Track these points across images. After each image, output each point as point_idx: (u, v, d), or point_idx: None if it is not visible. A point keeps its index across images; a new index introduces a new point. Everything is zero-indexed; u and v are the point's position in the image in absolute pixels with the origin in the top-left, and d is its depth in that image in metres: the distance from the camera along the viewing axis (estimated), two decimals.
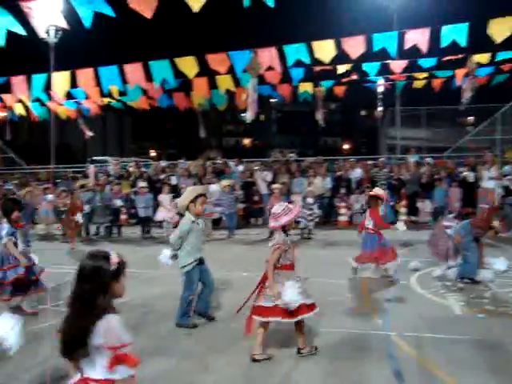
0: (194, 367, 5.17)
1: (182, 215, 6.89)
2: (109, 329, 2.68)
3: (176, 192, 15.94)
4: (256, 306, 5.28)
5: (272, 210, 5.53)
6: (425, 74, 15.10)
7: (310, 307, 5.23)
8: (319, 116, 14.84)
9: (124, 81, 13.13)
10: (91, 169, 19.36)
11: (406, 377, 4.84)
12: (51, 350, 4.51)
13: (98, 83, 13.86)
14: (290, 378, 4.89)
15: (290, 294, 5.01)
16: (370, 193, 9.25)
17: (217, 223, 16.34)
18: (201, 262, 6.54)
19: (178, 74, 12.28)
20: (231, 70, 11.73)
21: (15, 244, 6.97)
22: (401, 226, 13.15)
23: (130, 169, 20.24)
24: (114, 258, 2.82)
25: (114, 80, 13.11)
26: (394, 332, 6.14)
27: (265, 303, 5.18)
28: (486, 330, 6.23)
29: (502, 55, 12.69)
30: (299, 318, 5.16)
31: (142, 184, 15.73)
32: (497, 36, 10.43)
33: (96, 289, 2.73)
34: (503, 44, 10.70)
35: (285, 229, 5.38)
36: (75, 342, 2.70)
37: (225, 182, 14.98)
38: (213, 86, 14.31)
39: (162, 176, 18.31)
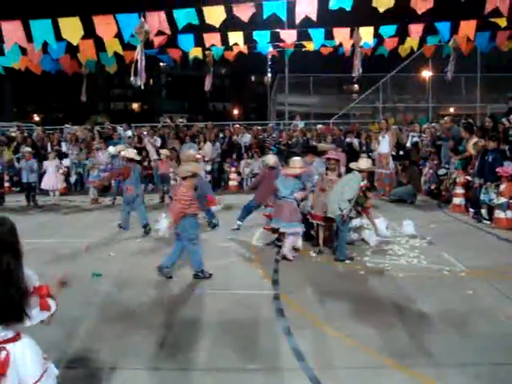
0: None
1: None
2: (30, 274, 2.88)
3: (62, 158, 15.48)
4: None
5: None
6: (313, 44, 15.40)
7: None
8: (207, 82, 14.77)
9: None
10: None
11: (295, 332, 5.14)
12: None
13: None
14: (182, 343, 5.04)
15: None
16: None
17: (106, 190, 16.09)
18: None
19: (61, 35, 11.62)
20: (119, 34, 11.35)
21: None
22: None
23: (12, 134, 19.25)
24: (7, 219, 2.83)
25: None
26: (282, 291, 6.48)
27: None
28: (366, 285, 6.73)
29: (384, 29, 13.28)
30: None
31: (26, 149, 14.97)
32: (380, 6, 10.95)
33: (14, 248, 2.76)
34: (386, 18, 11.22)
35: None
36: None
37: (119, 148, 14.50)
38: (100, 48, 13.77)
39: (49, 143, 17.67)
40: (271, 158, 9.72)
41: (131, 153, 10.31)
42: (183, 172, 7.08)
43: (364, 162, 8.33)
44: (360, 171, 8.08)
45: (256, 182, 10.15)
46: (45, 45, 12.08)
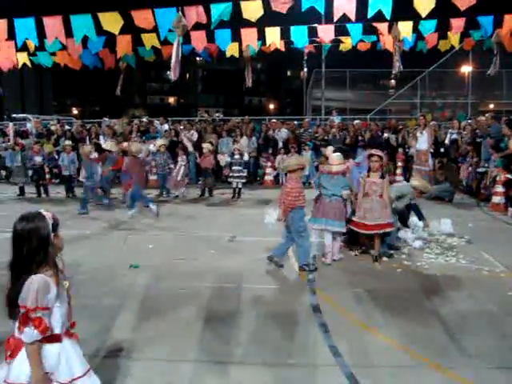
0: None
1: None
2: (28, 288, 2.71)
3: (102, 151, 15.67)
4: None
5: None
6: (350, 40, 15.20)
7: None
8: (248, 78, 14.68)
9: (42, 35, 12.12)
10: (10, 127, 18.67)
11: (331, 328, 5.13)
12: None
13: (11, 36, 12.53)
14: (218, 336, 5.07)
15: None
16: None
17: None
18: None
19: (100, 30, 11.71)
20: (156, 28, 11.41)
21: None
22: None
23: (52, 127, 19.61)
24: (48, 215, 2.85)
25: (29, 33, 12.00)
26: (318, 287, 6.46)
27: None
28: (403, 283, 6.66)
29: (424, 24, 13.00)
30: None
31: (66, 142, 15.22)
32: (421, 10, 10.79)
33: (35, 248, 2.75)
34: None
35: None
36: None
37: (160, 142, 14.48)
38: (138, 43, 13.88)
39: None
40: (135, 145, 11.49)
41: (108, 145, 13.07)
42: (291, 165, 7.17)
43: (417, 180, 8.54)
44: (414, 188, 8.25)
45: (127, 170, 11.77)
46: (84, 40, 12.23)
